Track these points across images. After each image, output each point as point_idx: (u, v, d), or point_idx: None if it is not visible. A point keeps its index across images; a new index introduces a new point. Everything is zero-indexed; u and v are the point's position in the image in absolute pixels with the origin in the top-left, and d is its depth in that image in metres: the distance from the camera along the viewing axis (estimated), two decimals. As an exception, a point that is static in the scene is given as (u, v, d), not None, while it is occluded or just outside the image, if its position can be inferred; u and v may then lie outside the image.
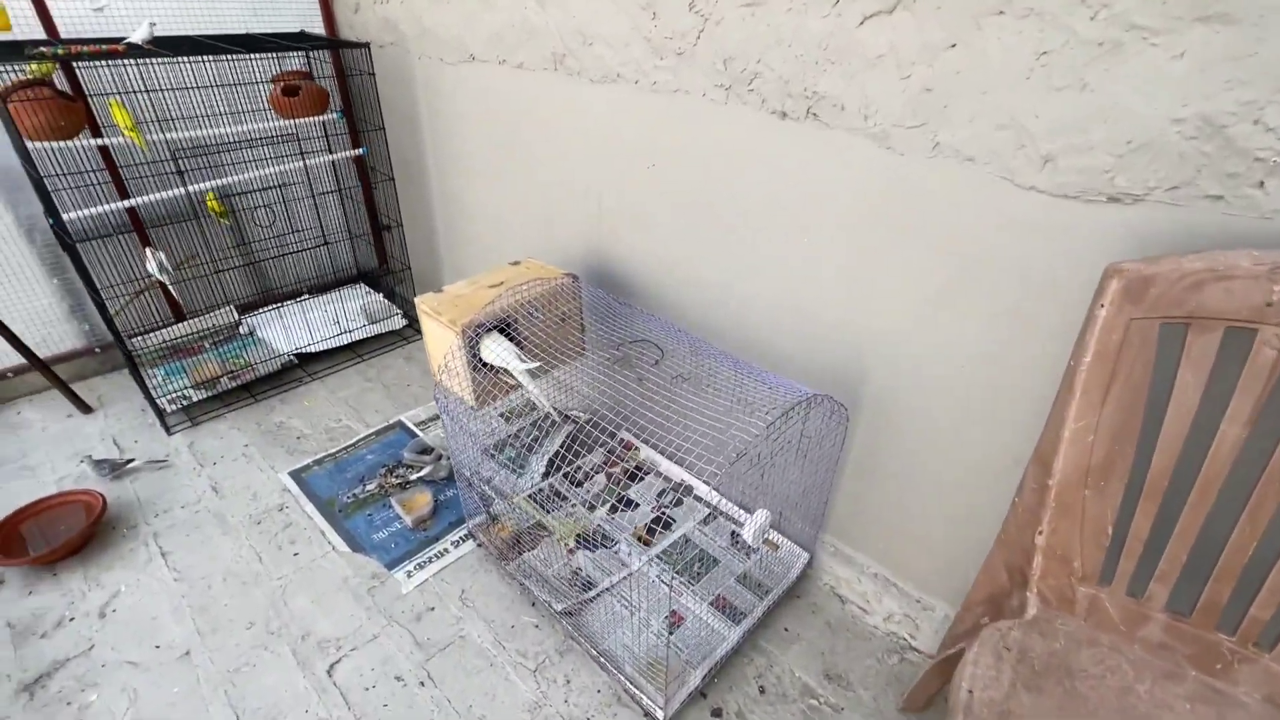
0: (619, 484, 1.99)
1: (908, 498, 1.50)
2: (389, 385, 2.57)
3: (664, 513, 1.90)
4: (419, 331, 2.92)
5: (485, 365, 1.63)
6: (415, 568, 1.76)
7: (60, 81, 2.08)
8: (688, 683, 1.43)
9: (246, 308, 2.82)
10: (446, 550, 1.82)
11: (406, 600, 1.68)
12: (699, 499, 1.93)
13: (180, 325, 2.63)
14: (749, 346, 1.68)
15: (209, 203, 2.46)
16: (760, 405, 1.26)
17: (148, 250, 2.23)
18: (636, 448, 2.14)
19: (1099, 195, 1.02)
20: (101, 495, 1.86)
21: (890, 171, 1.24)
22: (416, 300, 1.70)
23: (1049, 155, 1.04)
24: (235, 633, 1.59)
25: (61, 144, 2.00)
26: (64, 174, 2.10)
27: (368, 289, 3.08)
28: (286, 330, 2.69)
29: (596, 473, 2.05)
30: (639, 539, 1.81)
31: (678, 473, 2.02)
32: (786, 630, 1.61)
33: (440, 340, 1.67)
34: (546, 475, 2.03)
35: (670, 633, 1.56)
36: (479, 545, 1.82)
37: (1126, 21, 0.91)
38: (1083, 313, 1.00)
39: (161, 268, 2.23)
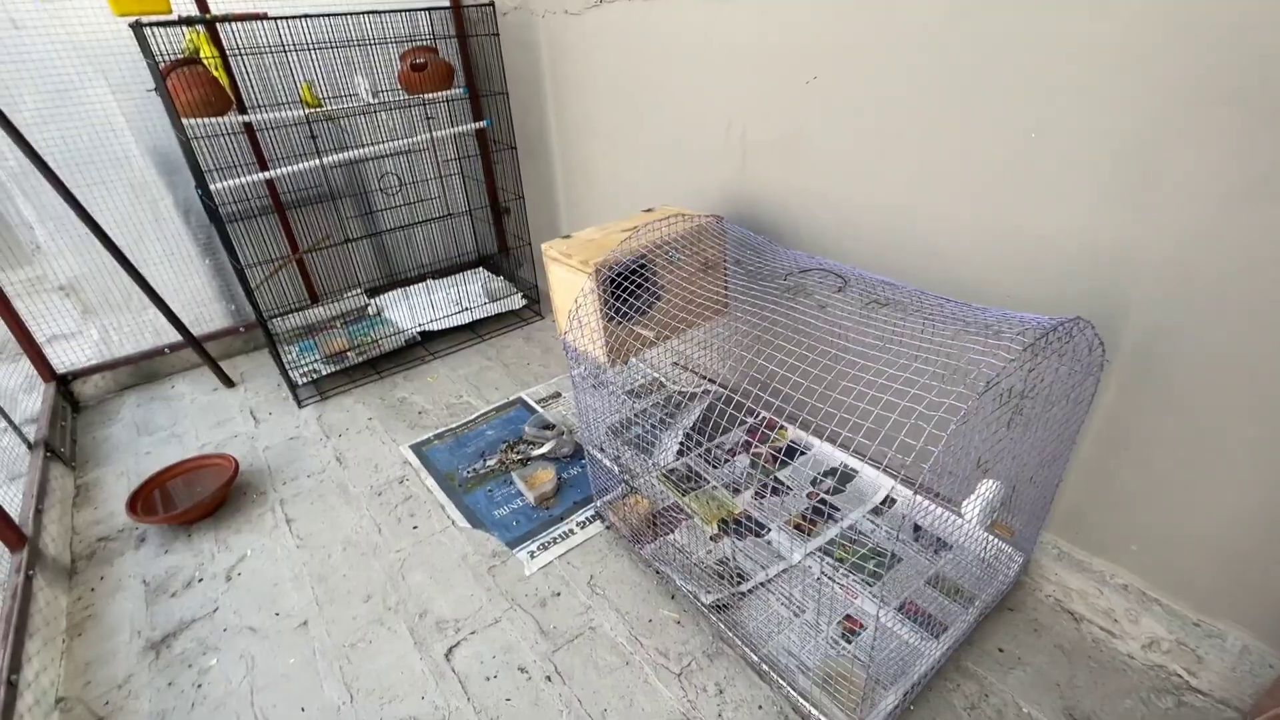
0: (763, 468, 1.70)
1: (1183, 481, 1.10)
2: (508, 364, 2.45)
3: (824, 499, 1.58)
4: (538, 313, 2.80)
5: (619, 316, 1.42)
6: (539, 548, 1.57)
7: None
8: (879, 705, 1.11)
9: (374, 291, 2.85)
10: (572, 531, 1.62)
11: (530, 583, 1.48)
12: (889, 472, 1.61)
13: (315, 309, 2.67)
14: (941, 287, 1.35)
15: (303, 93, 2.21)
16: (995, 332, 0.94)
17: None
18: (783, 427, 1.85)
19: None
20: (235, 459, 1.84)
21: None
22: (543, 246, 1.53)
23: None
24: (352, 605, 1.46)
25: (212, 120, 2.06)
26: (207, 137, 2.15)
27: (488, 274, 3.02)
28: (412, 310, 2.66)
29: (738, 453, 1.78)
30: (795, 527, 1.51)
31: (839, 456, 1.70)
32: (1001, 651, 1.24)
33: (569, 288, 1.49)
34: (681, 454, 1.78)
35: (848, 642, 1.25)
36: (608, 527, 1.60)
37: None
38: None
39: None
